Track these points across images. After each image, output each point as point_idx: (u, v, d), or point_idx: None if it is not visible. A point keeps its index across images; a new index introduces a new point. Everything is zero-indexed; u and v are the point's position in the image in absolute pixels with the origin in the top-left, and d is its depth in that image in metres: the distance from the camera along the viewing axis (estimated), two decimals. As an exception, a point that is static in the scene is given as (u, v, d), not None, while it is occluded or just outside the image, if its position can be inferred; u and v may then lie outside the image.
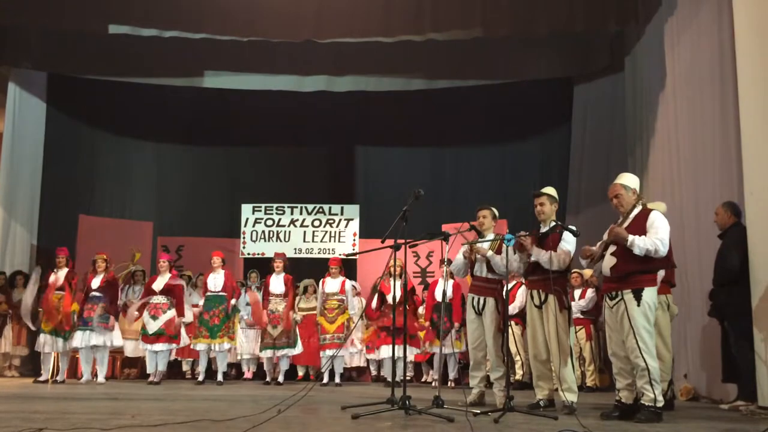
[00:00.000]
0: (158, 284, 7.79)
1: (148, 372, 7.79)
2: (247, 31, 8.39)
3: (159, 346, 7.58)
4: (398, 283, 7.44)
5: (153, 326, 7.58)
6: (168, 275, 7.85)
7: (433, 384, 7.67)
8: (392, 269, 7.46)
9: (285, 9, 8.07)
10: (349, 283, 8.17)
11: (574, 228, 4.82)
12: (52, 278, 7.81)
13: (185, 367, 8.90)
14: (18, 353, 8.78)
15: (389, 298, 7.75)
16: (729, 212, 5.33)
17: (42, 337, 7.61)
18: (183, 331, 7.95)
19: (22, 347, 8.76)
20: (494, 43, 9.07)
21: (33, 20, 8.23)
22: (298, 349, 7.77)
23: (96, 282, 7.67)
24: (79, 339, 7.46)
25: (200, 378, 7.81)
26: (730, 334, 5.27)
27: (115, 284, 7.93)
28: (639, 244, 4.22)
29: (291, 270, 8.16)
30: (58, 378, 7.66)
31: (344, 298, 7.99)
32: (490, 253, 5.22)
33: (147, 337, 7.58)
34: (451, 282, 7.42)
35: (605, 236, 4.51)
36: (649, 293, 4.27)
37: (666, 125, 7.50)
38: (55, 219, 10.01)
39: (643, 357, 4.16)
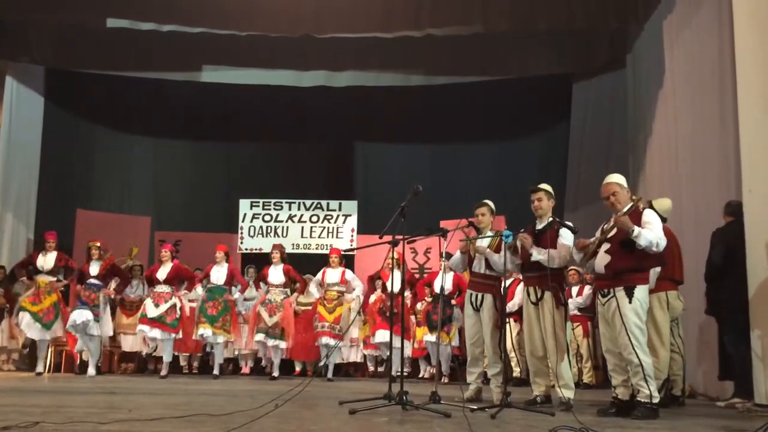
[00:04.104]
0: (161, 273, 7.80)
1: (145, 354, 7.93)
2: (245, 26, 8.38)
3: (156, 333, 7.58)
4: (397, 274, 7.50)
5: (155, 312, 7.60)
6: (170, 265, 7.86)
7: (430, 377, 7.68)
8: (391, 262, 7.51)
9: (284, 4, 8.06)
10: (350, 272, 8.16)
11: (571, 225, 4.83)
12: (39, 261, 7.76)
13: (182, 362, 8.90)
14: (15, 347, 8.76)
15: (388, 286, 7.79)
16: (724, 212, 5.39)
17: (22, 315, 7.53)
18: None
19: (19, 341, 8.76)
20: (494, 39, 9.06)
21: (31, 14, 8.21)
22: (288, 343, 7.80)
23: (94, 269, 7.67)
24: (73, 318, 7.42)
25: (215, 371, 7.83)
26: (724, 331, 5.30)
27: (118, 268, 8.05)
28: (645, 235, 4.20)
29: (290, 265, 8.16)
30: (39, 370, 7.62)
31: (344, 289, 7.97)
32: (488, 251, 5.23)
33: (145, 319, 7.59)
34: (451, 275, 7.42)
35: (598, 233, 4.52)
36: (641, 291, 4.28)
37: (665, 123, 7.50)
38: (53, 213, 9.99)
39: (636, 353, 4.17)
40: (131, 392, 5.62)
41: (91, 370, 7.59)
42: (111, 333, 8.01)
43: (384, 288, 8.00)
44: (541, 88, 10.14)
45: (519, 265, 5.14)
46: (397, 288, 7.61)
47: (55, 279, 7.81)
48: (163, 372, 7.73)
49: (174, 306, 7.70)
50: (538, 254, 4.83)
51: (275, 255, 7.98)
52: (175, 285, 7.90)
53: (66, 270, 7.99)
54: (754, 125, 5.00)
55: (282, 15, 8.10)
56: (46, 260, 7.76)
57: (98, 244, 7.84)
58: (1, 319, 8.62)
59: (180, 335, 7.82)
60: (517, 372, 7.64)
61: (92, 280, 7.66)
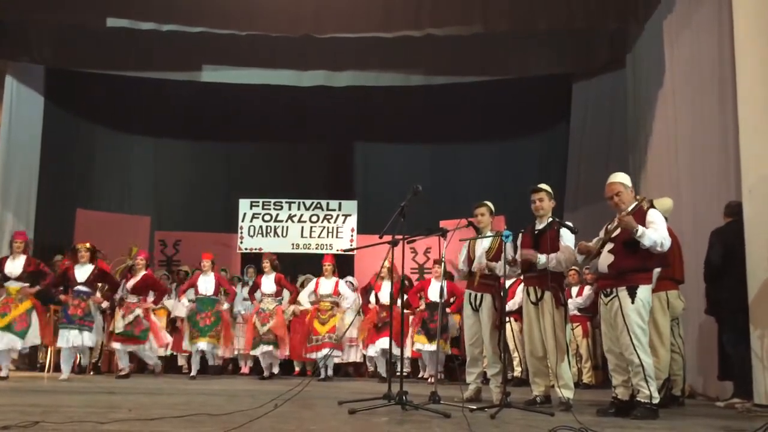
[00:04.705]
0: (130, 283, 7.59)
1: (120, 367, 7.54)
2: (245, 26, 8.37)
3: (130, 347, 7.41)
4: (387, 282, 7.50)
5: (120, 325, 7.34)
6: (143, 272, 7.63)
7: (429, 380, 7.68)
8: (385, 269, 7.49)
9: (284, 3, 8.06)
10: (343, 283, 8.14)
11: (571, 225, 4.82)
12: (8, 267, 7.01)
13: (181, 362, 8.90)
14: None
15: (381, 297, 7.79)
16: (724, 212, 5.39)
17: None
18: (161, 329, 7.82)
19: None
20: (494, 39, 9.06)
21: (31, 14, 8.20)
22: (284, 350, 7.80)
23: (82, 274, 7.12)
24: (64, 339, 6.98)
25: (192, 373, 7.75)
26: (723, 331, 5.31)
27: (109, 275, 7.59)
28: (650, 235, 4.20)
29: (289, 265, 8.15)
30: (3, 374, 6.96)
31: (338, 299, 7.97)
32: (490, 264, 5.22)
33: (116, 336, 7.39)
34: (444, 282, 7.39)
35: (601, 233, 4.51)
36: (644, 291, 4.28)
37: (665, 123, 7.50)
38: (53, 213, 10.00)
39: (637, 354, 4.17)
40: (130, 392, 5.62)
41: (84, 361, 7.41)
42: (101, 340, 7.65)
43: (377, 299, 7.99)
44: (541, 88, 10.14)
45: (518, 273, 5.15)
46: (388, 298, 7.63)
47: (27, 285, 7.05)
48: (156, 371, 7.71)
49: (138, 317, 7.37)
50: (546, 262, 4.78)
51: (266, 264, 7.95)
52: (144, 295, 7.64)
53: (38, 275, 7.18)
54: (754, 125, 5.00)
55: (282, 15, 8.10)
56: (14, 265, 7.00)
57: (87, 245, 7.23)
58: None
59: (152, 343, 7.54)
60: (519, 371, 7.64)
61: (80, 287, 7.09)
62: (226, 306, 8.01)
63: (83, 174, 10.77)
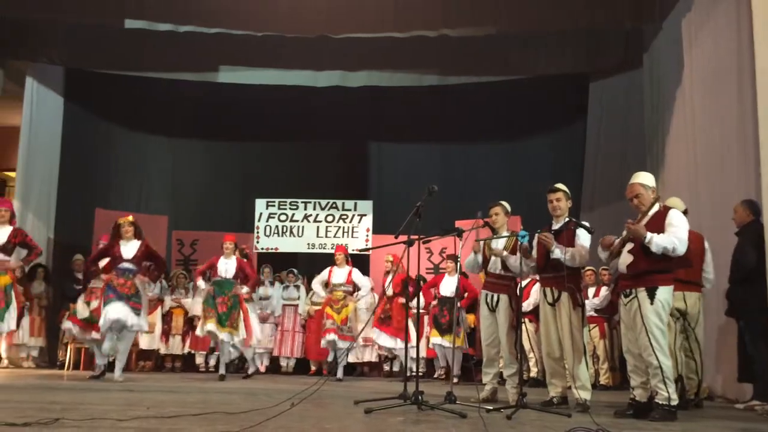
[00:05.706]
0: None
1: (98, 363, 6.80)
2: (261, 26, 8.43)
3: (94, 335, 6.61)
4: (389, 276, 7.53)
5: (86, 311, 6.67)
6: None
7: (439, 374, 7.67)
8: (388, 263, 7.48)
9: (299, 4, 8.10)
10: (357, 271, 8.08)
11: (588, 225, 4.79)
12: None
13: (198, 360, 8.96)
14: (35, 344, 8.88)
15: (387, 289, 7.82)
16: (747, 210, 5.29)
17: None
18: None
19: (39, 338, 8.86)
20: (508, 39, 9.03)
21: (50, 15, 8.31)
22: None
23: (129, 251, 6.43)
24: (114, 311, 6.16)
25: (221, 371, 7.30)
26: (745, 333, 5.23)
27: (157, 254, 6.86)
28: (657, 242, 4.18)
29: (305, 265, 8.14)
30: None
31: (350, 289, 7.89)
32: (505, 253, 5.21)
33: (77, 319, 6.75)
34: (455, 277, 7.37)
35: (624, 233, 4.48)
36: (663, 292, 4.24)
37: (683, 122, 7.43)
38: (72, 213, 10.10)
39: (655, 355, 4.14)
40: (148, 390, 5.67)
41: (118, 373, 6.45)
42: (146, 328, 6.85)
43: (384, 292, 8.01)
44: (558, 87, 10.07)
45: (533, 268, 5.12)
46: (390, 291, 7.68)
47: (7, 258, 6.36)
48: (96, 372, 6.59)
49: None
50: (560, 253, 4.73)
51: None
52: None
53: (25, 248, 6.55)
54: (774, 124, 4.94)
55: (297, 16, 8.14)
56: None
57: (131, 219, 6.52)
58: (21, 316, 8.71)
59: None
60: (535, 371, 7.60)
61: (126, 264, 6.37)
62: (245, 290, 7.48)
63: (102, 174, 10.86)
